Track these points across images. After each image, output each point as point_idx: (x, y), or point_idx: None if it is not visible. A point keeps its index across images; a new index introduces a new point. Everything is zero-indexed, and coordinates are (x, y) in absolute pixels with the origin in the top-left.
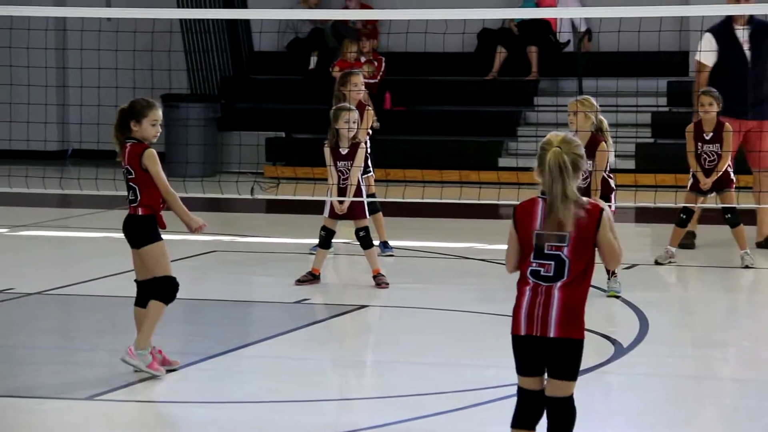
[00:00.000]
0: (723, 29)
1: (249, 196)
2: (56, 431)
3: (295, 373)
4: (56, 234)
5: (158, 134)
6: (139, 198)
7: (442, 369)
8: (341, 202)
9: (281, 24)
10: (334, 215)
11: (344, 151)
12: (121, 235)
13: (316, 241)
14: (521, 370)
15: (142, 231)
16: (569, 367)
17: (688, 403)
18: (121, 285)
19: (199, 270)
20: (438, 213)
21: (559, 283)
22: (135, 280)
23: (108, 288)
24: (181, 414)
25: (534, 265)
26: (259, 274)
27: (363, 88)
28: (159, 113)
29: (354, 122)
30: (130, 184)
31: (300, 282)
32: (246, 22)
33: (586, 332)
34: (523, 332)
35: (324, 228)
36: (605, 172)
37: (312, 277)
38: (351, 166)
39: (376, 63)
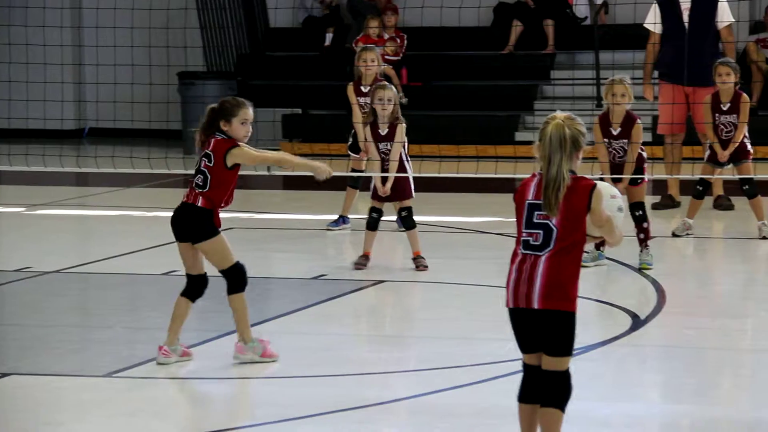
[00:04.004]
0: None
1: (266, 173)
2: (75, 409)
3: (313, 349)
4: (74, 212)
5: (249, 134)
6: (207, 187)
7: (459, 343)
8: (384, 185)
9: (296, 0)
10: (378, 197)
11: (383, 131)
12: (140, 213)
13: (334, 217)
14: (518, 344)
15: (200, 225)
16: (559, 341)
17: (706, 374)
18: (139, 263)
19: None
20: (455, 188)
21: (545, 254)
22: (187, 275)
23: (126, 266)
24: (201, 390)
25: (525, 234)
26: (276, 250)
27: (378, 63)
28: (249, 112)
29: (389, 100)
30: (204, 169)
31: (358, 265)
32: None
33: (603, 304)
34: (511, 305)
35: (374, 209)
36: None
37: (367, 260)
38: (391, 146)
39: (398, 40)
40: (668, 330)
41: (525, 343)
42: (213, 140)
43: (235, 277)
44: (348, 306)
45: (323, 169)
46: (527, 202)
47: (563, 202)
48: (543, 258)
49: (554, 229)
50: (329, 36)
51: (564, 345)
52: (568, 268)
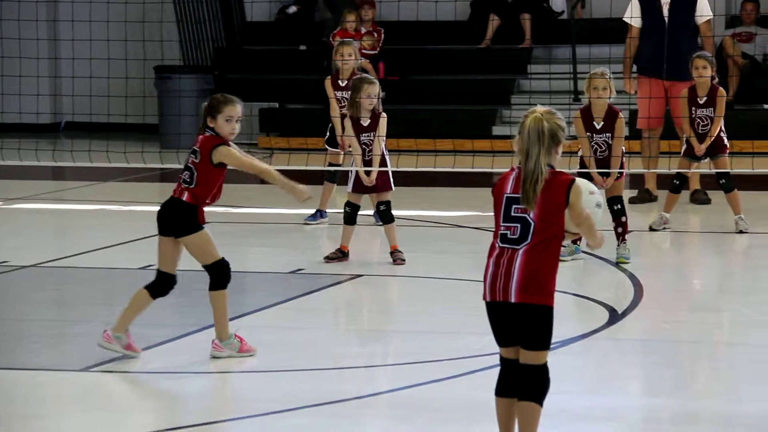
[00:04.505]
0: None
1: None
2: (52, 403)
3: (291, 343)
4: (51, 207)
5: (235, 132)
6: (194, 183)
7: (437, 337)
8: (368, 175)
9: None
10: (358, 189)
11: (365, 123)
12: (116, 207)
13: (311, 211)
14: (496, 338)
15: (183, 220)
16: (536, 335)
17: (683, 368)
18: (116, 257)
19: None
20: (432, 182)
21: (522, 247)
22: (158, 270)
23: (103, 260)
24: (178, 385)
25: (503, 228)
26: (253, 245)
27: (355, 58)
28: (236, 109)
29: (375, 96)
30: (190, 165)
31: (329, 259)
32: None
33: (580, 298)
34: (488, 298)
35: (348, 204)
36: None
37: (341, 255)
38: (374, 136)
39: (375, 34)
40: (646, 324)
41: (502, 337)
42: (201, 137)
43: (219, 273)
44: (326, 300)
45: (303, 191)
46: (505, 195)
47: (541, 196)
48: (521, 251)
49: (532, 222)
50: (293, 8)
51: (541, 339)
52: (546, 262)
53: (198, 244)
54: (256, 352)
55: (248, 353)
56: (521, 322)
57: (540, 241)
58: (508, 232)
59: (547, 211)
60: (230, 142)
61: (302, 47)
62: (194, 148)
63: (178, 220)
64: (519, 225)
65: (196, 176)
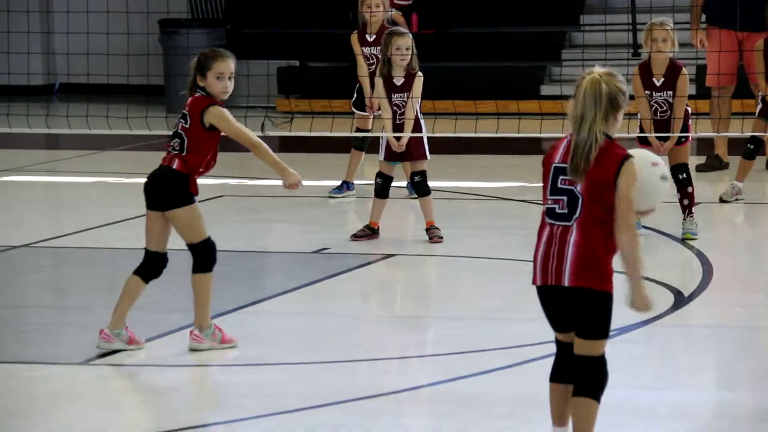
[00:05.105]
0: None
1: (259, 133)
2: (47, 400)
3: (317, 332)
4: (44, 179)
5: (227, 90)
6: (185, 150)
7: (481, 324)
8: (398, 139)
9: None
10: (391, 157)
11: (399, 82)
12: (118, 180)
13: (337, 183)
14: (551, 324)
15: (173, 190)
16: (592, 323)
17: (759, 358)
18: (119, 235)
19: (206, 217)
20: (472, 149)
21: (574, 224)
22: (146, 249)
23: (104, 239)
24: (189, 379)
25: (550, 202)
26: (273, 221)
27: (384, 9)
28: (227, 65)
29: (407, 48)
30: (180, 131)
31: (357, 237)
32: None
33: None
34: (539, 282)
35: (380, 174)
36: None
37: (371, 232)
38: (407, 98)
39: None
40: (716, 308)
41: (556, 322)
42: (191, 99)
43: (204, 255)
44: (354, 283)
45: (293, 176)
46: (554, 165)
47: (593, 168)
48: (573, 228)
49: (579, 196)
50: None
51: (598, 327)
52: (603, 241)
53: (187, 219)
54: (237, 342)
55: (230, 344)
56: (576, 309)
57: (592, 218)
58: (556, 206)
59: (595, 187)
60: (224, 106)
61: None
62: (183, 111)
63: (168, 191)
64: (566, 198)
65: (186, 143)
